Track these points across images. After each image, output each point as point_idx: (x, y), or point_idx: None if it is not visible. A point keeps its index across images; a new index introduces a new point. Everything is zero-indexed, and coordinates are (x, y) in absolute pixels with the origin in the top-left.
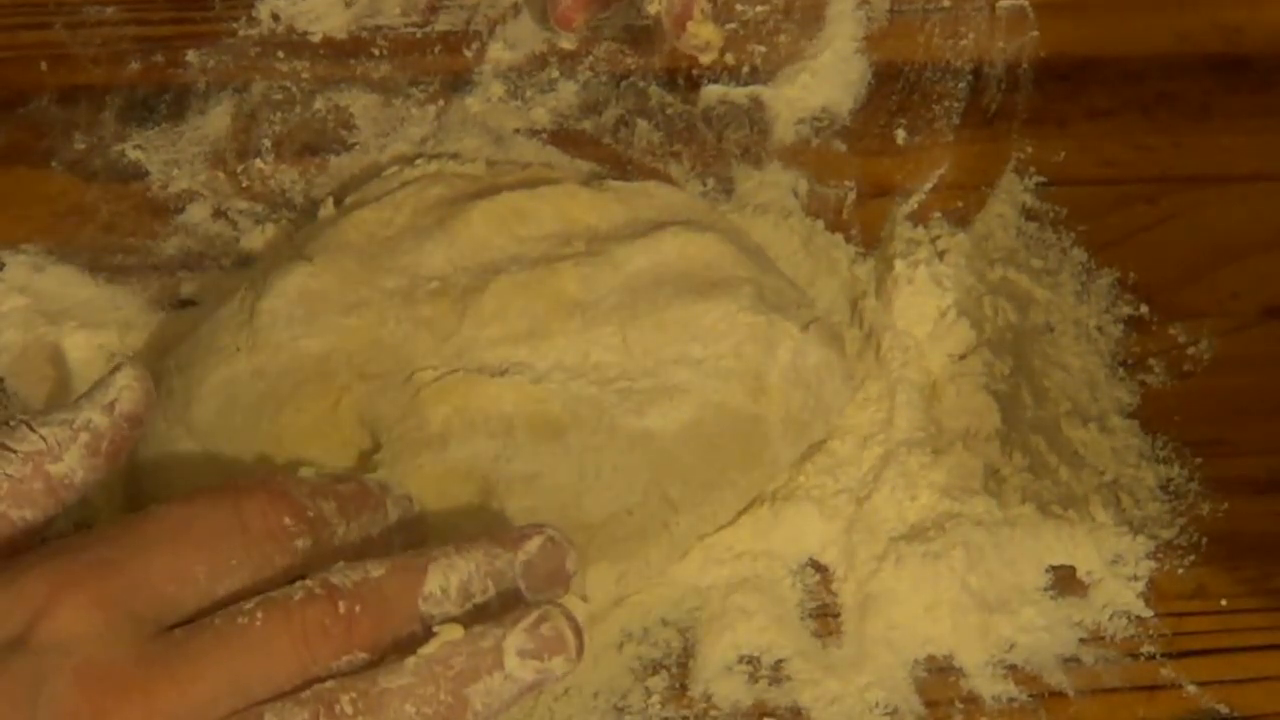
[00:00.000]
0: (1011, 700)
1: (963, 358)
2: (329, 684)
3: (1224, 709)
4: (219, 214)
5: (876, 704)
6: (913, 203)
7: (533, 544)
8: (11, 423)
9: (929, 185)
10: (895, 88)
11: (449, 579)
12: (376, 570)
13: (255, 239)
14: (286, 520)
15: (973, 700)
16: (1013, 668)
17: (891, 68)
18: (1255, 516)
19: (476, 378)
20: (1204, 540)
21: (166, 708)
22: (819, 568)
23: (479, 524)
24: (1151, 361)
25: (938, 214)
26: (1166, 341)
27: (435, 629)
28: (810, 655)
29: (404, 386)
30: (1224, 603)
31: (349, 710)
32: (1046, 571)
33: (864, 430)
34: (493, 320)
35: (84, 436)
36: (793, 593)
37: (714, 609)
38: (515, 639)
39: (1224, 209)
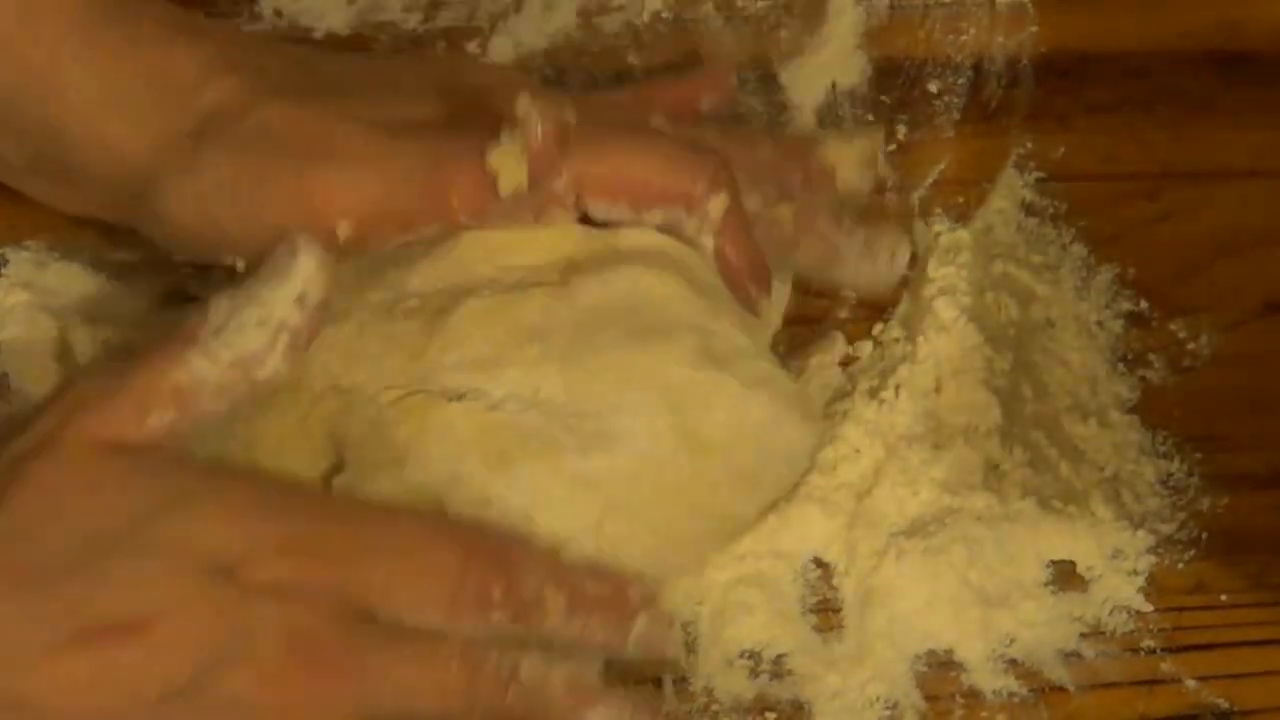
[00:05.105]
0: (1012, 695)
1: (963, 353)
2: None
3: (1224, 704)
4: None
5: (877, 698)
6: (914, 199)
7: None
8: (214, 320)
9: (929, 181)
10: (895, 83)
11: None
12: (556, 676)
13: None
14: (495, 594)
15: (973, 695)
16: (1013, 662)
17: (892, 63)
18: (1255, 511)
19: (436, 400)
20: (1204, 535)
21: (343, 693)
22: (820, 563)
23: None
24: (1151, 357)
25: (938, 210)
26: (1166, 337)
27: None
28: (811, 650)
29: (370, 403)
30: (1224, 598)
31: None
32: (1047, 566)
33: (865, 426)
34: (458, 343)
35: (284, 339)
36: (794, 588)
37: (715, 604)
38: None
39: (1224, 204)
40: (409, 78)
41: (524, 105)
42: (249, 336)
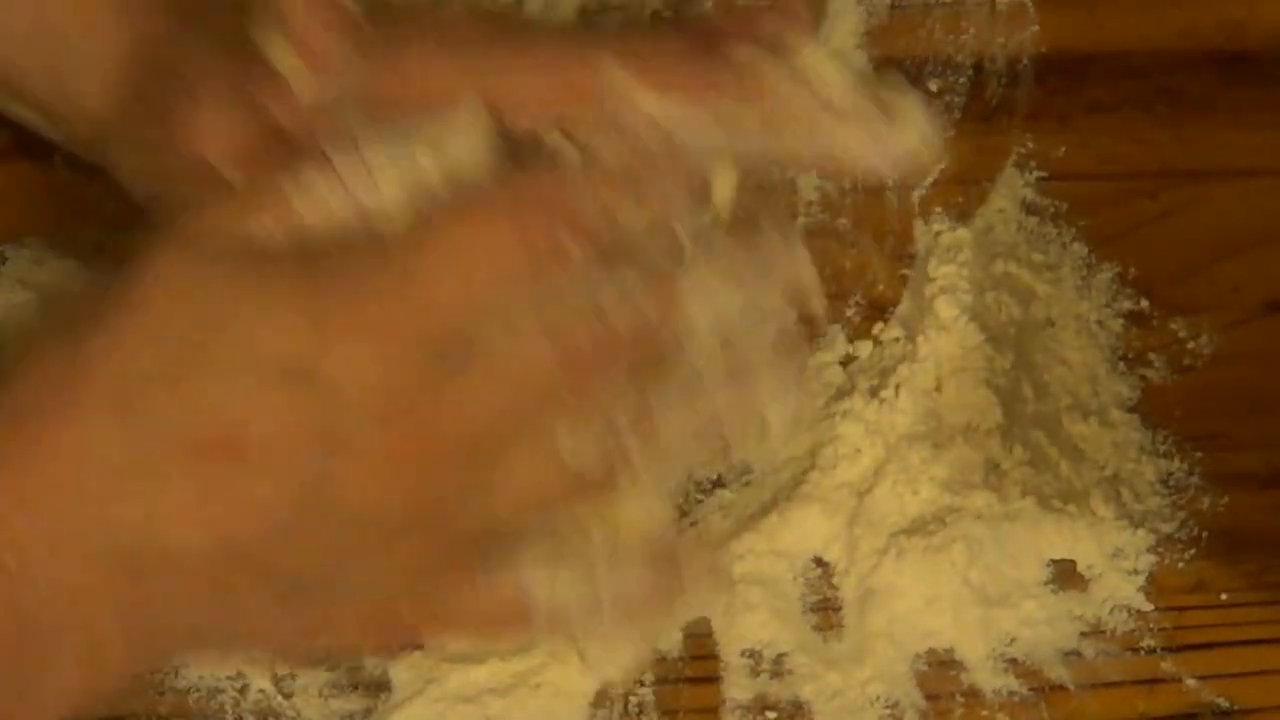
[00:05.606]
0: (1012, 694)
1: (964, 352)
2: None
3: (1224, 703)
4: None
5: (878, 698)
6: (914, 198)
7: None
8: (344, 137)
9: (929, 180)
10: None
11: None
12: (637, 292)
13: None
14: (567, 240)
15: (974, 694)
16: (1013, 661)
17: (892, 63)
18: (1255, 511)
19: None
20: (1204, 534)
21: (458, 440)
22: (820, 562)
23: None
24: (1152, 356)
25: (938, 209)
26: (1167, 336)
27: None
28: (811, 649)
29: None
30: (1224, 597)
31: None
32: (1047, 565)
33: (865, 425)
34: None
35: (409, 179)
36: (794, 587)
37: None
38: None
39: (1225, 203)
40: None
41: None
42: (375, 160)
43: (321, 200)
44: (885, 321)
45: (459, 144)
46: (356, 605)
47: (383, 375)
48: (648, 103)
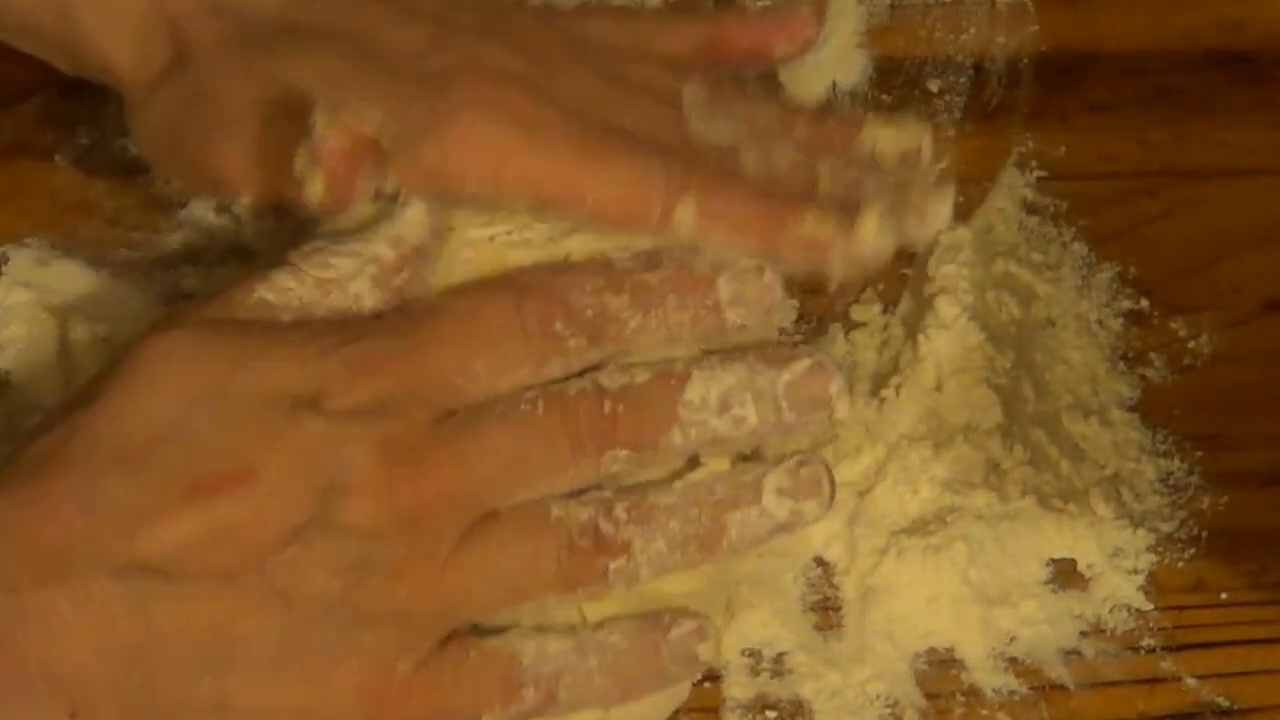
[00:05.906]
0: (1012, 693)
1: (964, 352)
2: (605, 493)
3: (1224, 702)
4: (221, 209)
5: (878, 696)
6: None
7: (798, 366)
8: (307, 248)
9: (930, 179)
10: (896, 82)
11: (710, 389)
12: (641, 375)
13: (257, 234)
14: (558, 325)
15: (974, 693)
16: (1013, 660)
17: (892, 62)
18: (1255, 510)
19: None
20: (1204, 534)
21: (454, 484)
22: (820, 561)
23: None
24: (1152, 355)
25: None
26: (1167, 335)
27: (703, 460)
28: (812, 648)
29: None
30: (1224, 596)
31: (623, 516)
32: (1047, 565)
33: (865, 425)
34: None
35: (371, 269)
36: (795, 586)
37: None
38: (775, 478)
39: (1225, 203)
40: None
41: (316, 118)
42: (339, 261)
43: (296, 298)
44: (886, 321)
45: (411, 234)
46: (358, 663)
47: (385, 414)
48: (709, 239)
